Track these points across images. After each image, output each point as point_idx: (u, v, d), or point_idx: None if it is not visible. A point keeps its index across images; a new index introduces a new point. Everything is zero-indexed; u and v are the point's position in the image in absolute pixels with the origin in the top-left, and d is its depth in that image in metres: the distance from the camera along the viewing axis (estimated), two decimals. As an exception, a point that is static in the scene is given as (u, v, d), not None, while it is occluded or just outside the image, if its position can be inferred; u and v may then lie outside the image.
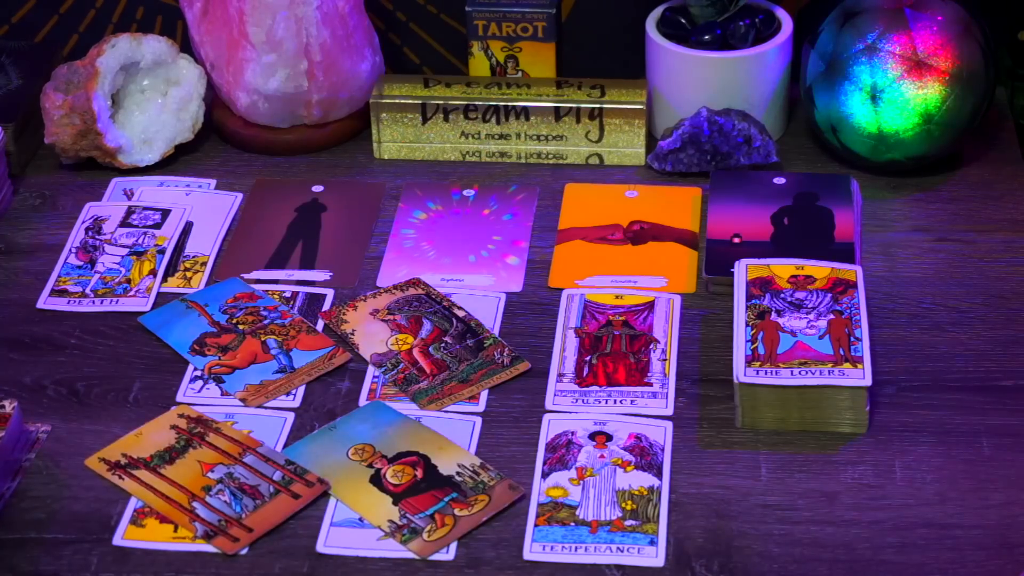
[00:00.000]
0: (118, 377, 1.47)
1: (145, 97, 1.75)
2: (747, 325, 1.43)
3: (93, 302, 1.55)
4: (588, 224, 1.64)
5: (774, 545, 1.28)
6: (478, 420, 1.41)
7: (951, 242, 1.60)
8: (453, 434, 1.39)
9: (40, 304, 1.55)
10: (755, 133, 1.67)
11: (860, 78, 1.63)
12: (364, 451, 1.37)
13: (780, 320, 1.43)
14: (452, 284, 1.56)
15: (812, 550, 1.28)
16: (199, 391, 1.45)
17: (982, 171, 1.70)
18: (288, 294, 1.56)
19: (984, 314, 1.51)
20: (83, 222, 1.65)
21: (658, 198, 1.67)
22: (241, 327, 1.51)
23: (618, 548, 1.28)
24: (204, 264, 1.61)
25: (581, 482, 1.34)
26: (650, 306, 1.52)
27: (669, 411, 1.41)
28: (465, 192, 1.69)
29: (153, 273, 1.58)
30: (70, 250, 1.62)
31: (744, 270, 1.48)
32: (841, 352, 1.39)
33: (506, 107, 1.72)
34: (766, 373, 1.38)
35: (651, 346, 1.47)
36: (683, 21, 1.73)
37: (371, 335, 1.50)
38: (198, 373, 1.47)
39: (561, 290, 1.55)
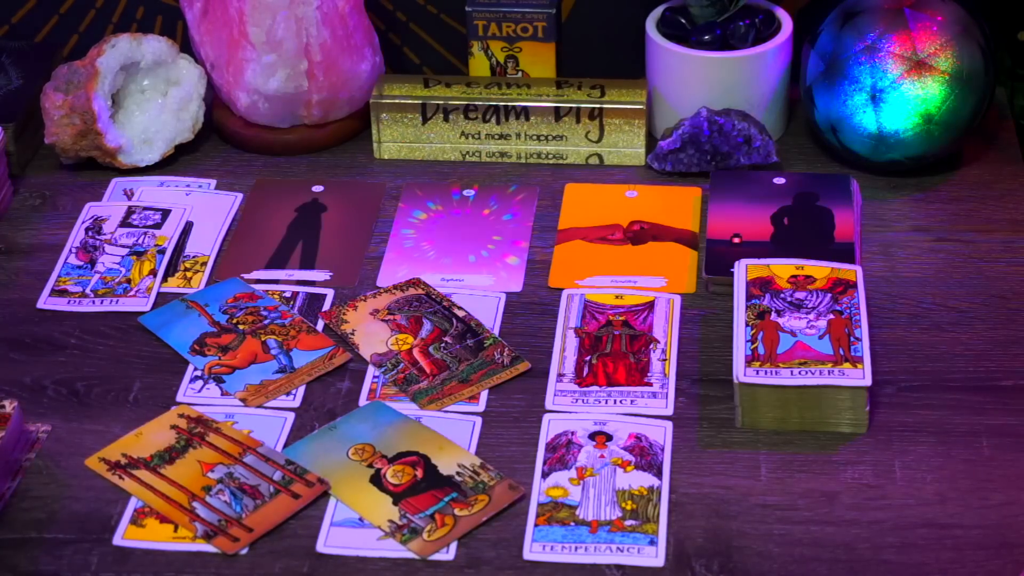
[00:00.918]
0: (118, 377, 1.47)
1: (145, 97, 1.75)
2: (747, 325, 1.43)
3: (93, 302, 1.55)
4: (588, 224, 1.64)
5: (774, 545, 1.28)
6: (478, 420, 1.41)
7: (951, 242, 1.60)
8: (453, 434, 1.39)
9: (40, 304, 1.55)
10: (755, 133, 1.67)
11: (860, 78, 1.63)
12: (364, 451, 1.37)
13: (780, 320, 1.43)
14: (452, 284, 1.56)
15: (812, 550, 1.28)
16: (199, 391, 1.45)
17: (982, 171, 1.70)
18: (288, 294, 1.56)
19: (984, 314, 1.51)
20: (83, 222, 1.65)
21: (658, 198, 1.67)
22: (241, 327, 1.51)
23: (618, 548, 1.28)
24: (204, 264, 1.61)
25: (581, 482, 1.34)
26: (650, 306, 1.52)
27: (669, 411, 1.41)
28: (465, 192, 1.69)
29: (153, 273, 1.58)
30: (70, 250, 1.62)
31: (744, 270, 1.48)
32: (841, 352, 1.39)
33: (506, 107, 1.72)
34: (766, 373, 1.38)
35: (651, 346, 1.47)
36: (683, 21, 1.73)
37: (371, 335, 1.50)
38: (198, 373, 1.47)
39: (561, 290, 1.55)
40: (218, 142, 1.79)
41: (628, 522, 1.30)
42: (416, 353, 1.47)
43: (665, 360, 1.46)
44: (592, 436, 1.38)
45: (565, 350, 1.47)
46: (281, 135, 1.76)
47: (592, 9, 1.83)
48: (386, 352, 1.48)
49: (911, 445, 1.37)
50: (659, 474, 1.34)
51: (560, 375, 1.45)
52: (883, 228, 1.62)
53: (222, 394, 1.44)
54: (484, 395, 1.44)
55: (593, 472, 1.35)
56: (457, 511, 1.31)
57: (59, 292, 1.57)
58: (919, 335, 1.49)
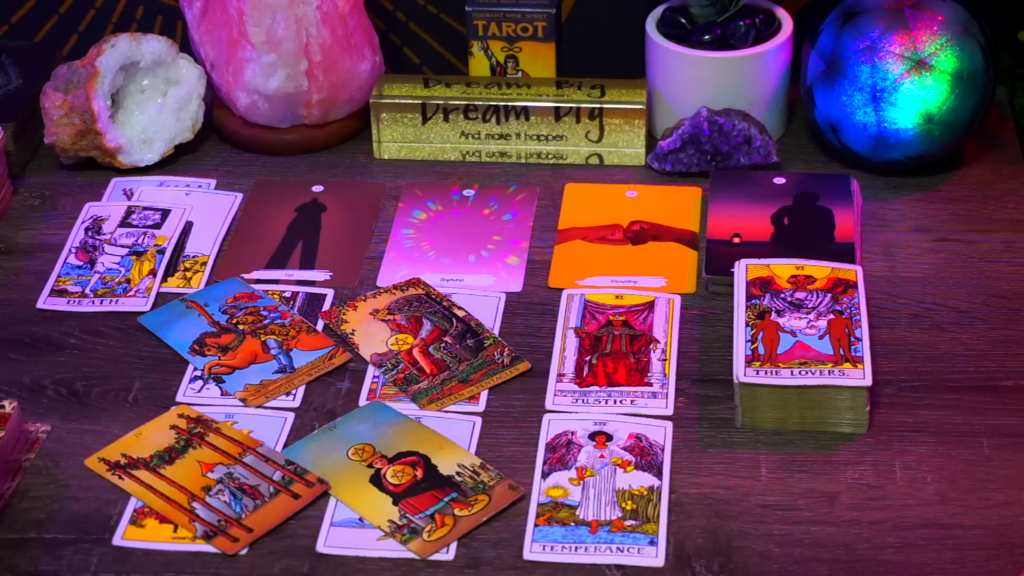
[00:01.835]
0: (118, 377, 1.47)
1: (145, 97, 1.75)
2: (747, 325, 1.43)
3: (93, 302, 1.55)
4: (588, 224, 1.64)
5: (774, 545, 1.28)
6: (478, 420, 1.41)
7: (951, 242, 1.60)
8: (453, 434, 1.39)
9: (40, 304, 1.55)
10: (755, 133, 1.67)
11: (860, 78, 1.63)
12: (364, 451, 1.37)
13: (780, 320, 1.43)
14: (452, 284, 1.56)
15: (812, 550, 1.28)
16: (199, 391, 1.45)
17: (982, 171, 1.70)
18: (288, 294, 1.56)
19: (984, 314, 1.51)
20: (83, 222, 1.65)
21: (658, 198, 1.67)
22: (241, 327, 1.51)
23: (618, 548, 1.28)
24: (204, 264, 1.61)
25: (581, 482, 1.34)
26: (650, 306, 1.52)
27: (669, 411, 1.41)
28: (465, 192, 1.69)
29: (153, 273, 1.58)
30: (70, 250, 1.62)
31: (744, 270, 1.48)
32: (841, 352, 1.39)
33: (506, 107, 1.72)
34: (766, 373, 1.38)
35: (651, 346, 1.47)
36: (683, 21, 1.73)
37: (371, 335, 1.50)
38: (198, 373, 1.47)
39: (561, 290, 1.55)
40: (218, 142, 1.79)
41: (628, 522, 1.30)
42: (416, 353, 1.47)
43: (665, 360, 1.46)
44: (592, 436, 1.38)
45: (565, 350, 1.47)
46: (281, 135, 1.76)
47: (592, 9, 1.83)
48: (386, 352, 1.48)
49: (911, 445, 1.37)
50: (659, 474, 1.34)
51: (560, 375, 1.45)
52: (883, 228, 1.62)
53: (222, 394, 1.44)
54: (484, 395, 1.44)
55: (593, 472, 1.35)
56: (457, 511, 1.31)
57: (59, 292, 1.57)
58: (919, 335, 1.49)
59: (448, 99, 1.73)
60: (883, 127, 1.64)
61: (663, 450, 1.37)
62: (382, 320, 1.52)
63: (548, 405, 1.42)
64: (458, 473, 1.35)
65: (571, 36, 1.82)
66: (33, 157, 1.77)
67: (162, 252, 1.61)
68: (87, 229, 1.64)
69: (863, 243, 1.59)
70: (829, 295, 1.45)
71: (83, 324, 1.53)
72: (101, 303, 1.55)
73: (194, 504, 1.32)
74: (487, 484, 1.34)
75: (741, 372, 1.38)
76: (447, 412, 1.42)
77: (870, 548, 1.28)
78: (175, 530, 1.31)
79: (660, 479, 1.34)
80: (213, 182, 1.73)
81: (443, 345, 1.48)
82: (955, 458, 1.36)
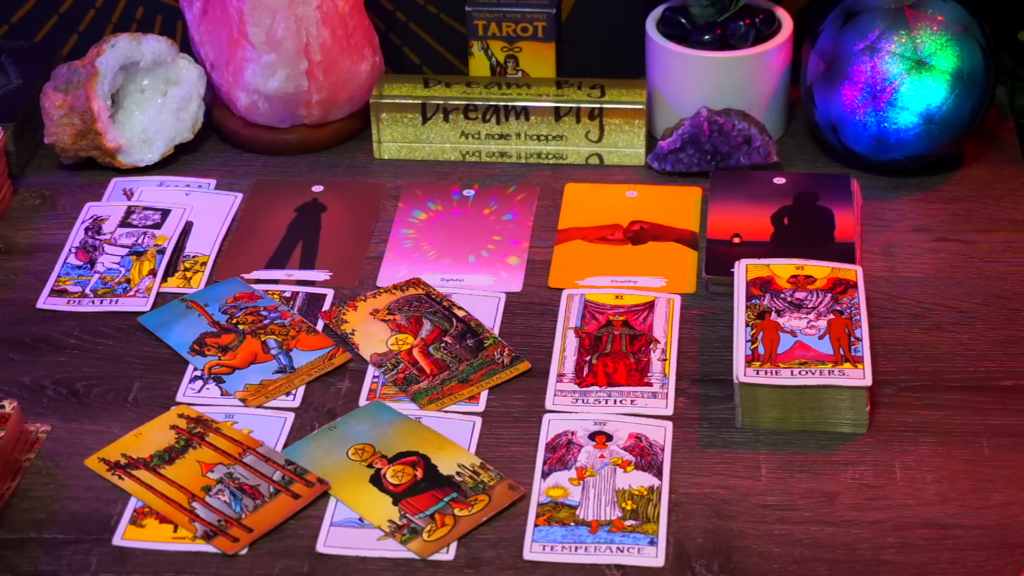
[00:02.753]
0: (118, 377, 1.47)
1: (145, 97, 1.75)
2: (747, 325, 1.43)
3: (93, 302, 1.55)
4: (588, 224, 1.64)
5: (774, 545, 1.28)
6: (478, 420, 1.41)
7: (951, 242, 1.60)
8: (453, 434, 1.39)
9: (40, 304, 1.55)
10: (755, 133, 1.67)
11: (860, 78, 1.63)
12: (364, 451, 1.37)
13: (780, 320, 1.43)
14: (452, 284, 1.56)
15: (812, 550, 1.28)
16: (199, 391, 1.45)
17: (982, 171, 1.70)
18: (288, 294, 1.56)
19: (984, 314, 1.51)
20: (83, 222, 1.65)
21: (658, 198, 1.67)
22: (241, 327, 1.51)
23: (618, 548, 1.28)
24: (204, 264, 1.61)
25: (581, 482, 1.34)
26: (650, 306, 1.52)
27: (669, 411, 1.41)
28: (465, 192, 1.69)
29: (153, 273, 1.58)
30: (70, 250, 1.62)
31: (744, 270, 1.48)
32: (841, 352, 1.39)
33: (506, 107, 1.72)
34: (766, 373, 1.38)
35: (651, 346, 1.47)
36: (683, 21, 1.73)
37: (371, 335, 1.50)
38: (198, 373, 1.47)
39: (561, 290, 1.55)
40: (218, 142, 1.79)
41: (628, 522, 1.30)
42: (416, 353, 1.47)
43: (665, 360, 1.46)
44: (592, 436, 1.38)
45: (565, 350, 1.47)
46: (281, 135, 1.76)
47: (592, 9, 1.83)
48: (386, 352, 1.48)
49: (911, 445, 1.37)
50: (659, 474, 1.34)
51: (560, 375, 1.45)
52: (883, 228, 1.62)
53: (222, 394, 1.44)
54: (484, 395, 1.44)
55: (593, 472, 1.35)
56: (457, 511, 1.31)
57: (59, 292, 1.57)
58: (919, 335, 1.49)
59: (448, 99, 1.73)
60: (883, 127, 1.64)
61: (663, 450, 1.37)
62: (382, 320, 1.52)
63: (548, 405, 1.42)
64: (458, 473, 1.35)
65: (571, 36, 1.82)
66: (33, 157, 1.77)
67: (162, 252, 1.61)
68: (87, 229, 1.64)
69: (863, 243, 1.59)
70: (829, 295, 1.45)
71: (83, 324, 1.53)
72: (101, 303, 1.55)
73: (194, 504, 1.32)
74: (487, 484, 1.34)
75: (741, 372, 1.38)
76: (447, 412, 1.42)
77: (870, 548, 1.28)
78: (175, 530, 1.31)
79: (660, 479, 1.34)
80: (213, 182, 1.73)
81: (443, 345, 1.48)
82: (955, 458, 1.36)
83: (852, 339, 1.40)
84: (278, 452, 1.37)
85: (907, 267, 1.57)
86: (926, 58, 1.62)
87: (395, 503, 1.32)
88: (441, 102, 1.73)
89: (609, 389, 1.43)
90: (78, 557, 1.29)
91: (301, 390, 1.45)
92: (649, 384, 1.43)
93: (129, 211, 1.66)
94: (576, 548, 1.28)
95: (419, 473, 1.35)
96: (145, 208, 1.67)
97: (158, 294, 1.57)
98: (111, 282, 1.58)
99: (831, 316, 1.43)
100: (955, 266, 1.57)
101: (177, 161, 1.76)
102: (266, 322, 1.51)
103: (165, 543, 1.30)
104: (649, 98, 1.73)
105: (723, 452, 1.37)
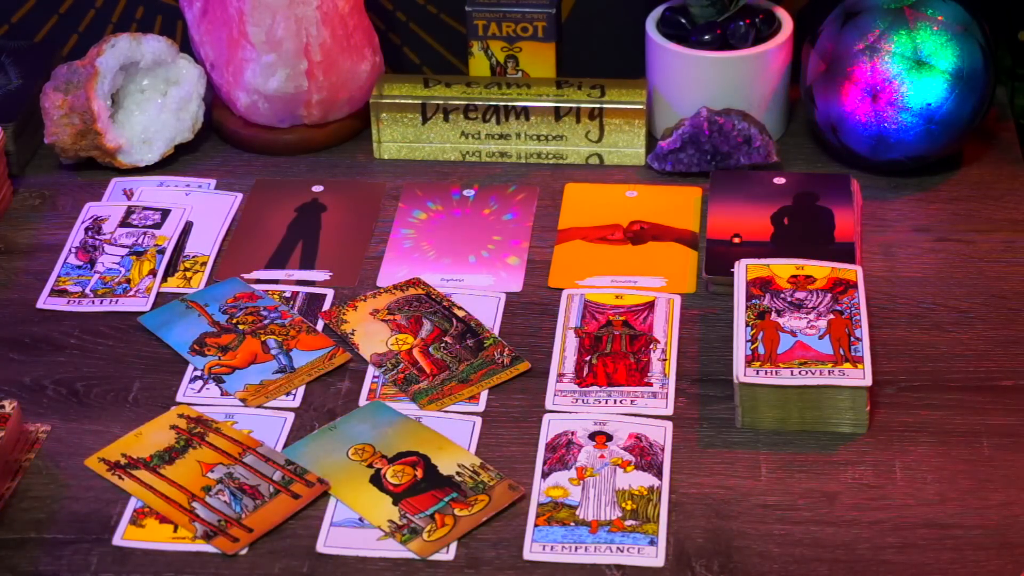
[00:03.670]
0: (118, 377, 1.47)
1: (145, 97, 1.75)
2: (747, 325, 1.43)
3: (93, 302, 1.55)
4: (588, 224, 1.64)
5: (774, 545, 1.28)
6: (478, 420, 1.41)
7: (951, 242, 1.60)
8: (453, 434, 1.39)
9: (40, 304, 1.55)
10: (755, 133, 1.67)
11: (860, 78, 1.63)
12: (364, 451, 1.37)
13: (780, 320, 1.43)
14: (452, 284, 1.56)
15: (812, 550, 1.28)
16: (199, 391, 1.45)
17: (982, 171, 1.70)
18: (288, 294, 1.56)
19: (984, 314, 1.51)
20: (83, 222, 1.65)
21: (658, 198, 1.67)
22: (241, 327, 1.51)
23: (618, 548, 1.28)
24: (204, 264, 1.61)
25: (581, 482, 1.34)
26: (650, 306, 1.52)
27: (669, 411, 1.41)
28: (465, 192, 1.69)
29: (153, 273, 1.58)
30: (70, 250, 1.62)
31: (744, 270, 1.48)
32: (841, 352, 1.39)
33: (506, 107, 1.72)
34: (766, 373, 1.38)
35: (651, 346, 1.47)
36: (683, 21, 1.73)
37: (371, 335, 1.50)
38: (198, 373, 1.47)
39: (561, 290, 1.55)
40: (218, 142, 1.79)
41: (628, 522, 1.30)
42: (416, 353, 1.47)
43: (665, 360, 1.46)
44: (592, 436, 1.38)
45: (565, 350, 1.47)
46: (281, 135, 1.76)
47: (592, 9, 1.83)
48: (386, 352, 1.48)
49: (911, 445, 1.37)
50: (659, 474, 1.34)
51: (560, 375, 1.45)
52: (883, 228, 1.62)
53: (222, 394, 1.44)
54: (484, 395, 1.44)
55: (593, 472, 1.35)
56: (457, 511, 1.31)
57: (59, 292, 1.57)
58: (919, 335, 1.49)
59: (448, 99, 1.73)
60: (883, 127, 1.64)
61: (663, 450, 1.37)
62: (382, 320, 1.52)
63: (548, 405, 1.42)
64: (458, 473, 1.35)
65: (571, 36, 1.82)
66: (33, 157, 1.77)
67: (162, 252, 1.61)
68: (87, 229, 1.64)
69: (863, 243, 1.59)
70: (829, 295, 1.45)
71: (83, 324, 1.53)
72: (101, 303, 1.55)
73: (194, 504, 1.32)
74: (487, 484, 1.34)
75: (741, 372, 1.38)
76: (447, 412, 1.42)
77: (870, 548, 1.28)
78: (175, 530, 1.31)
79: (660, 479, 1.34)
80: (213, 182, 1.73)
81: (443, 345, 1.48)
82: (955, 458, 1.36)
83: (852, 339, 1.40)
84: (278, 452, 1.37)
85: (907, 267, 1.57)
86: (926, 58, 1.62)
87: (395, 503, 1.32)
88: (441, 102, 1.73)
89: (609, 389, 1.43)
90: (78, 557, 1.29)
91: (301, 390, 1.45)
92: (649, 384, 1.43)
93: (129, 211, 1.66)
94: (576, 548, 1.28)
95: (419, 473, 1.35)
96: (145, 208, 1.67)
97: (158, 294, 1.57)
98: (111, 282, 1.58)
99: (831, 316, 1.43)
100: (955, 266, 1.57)
101: (177, 161, 1.76)
102: (266, 322, 1.51)
103: (165, 543, 1.30)
104: (649, 98, 1.73)
105: (723, 452, 1.37)
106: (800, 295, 1.45)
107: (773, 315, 1.43)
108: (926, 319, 1.50)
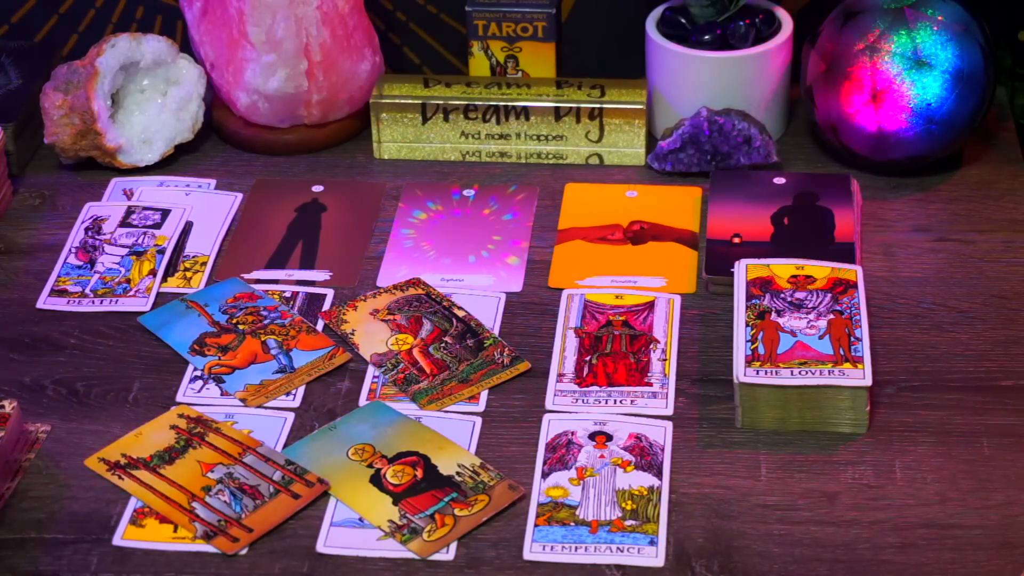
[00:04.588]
0: (118, 377, 1.47)
1: (145, 97, 1.75)
2: (747, 325, 1.43)
3: (93, 302, 1.55)
4: (588, 224, 1.64)
5: (774, 545, 1.28)
6: (478, 420, 1.41)
7: (951, 242, 1.60)
8: (453, 434, 1.39)
9: (40, 304, 1.55)
10: (755, 133, 1.67)
11: (860, 78, 1.63)
12: (364, 451, 1.37)
13: (780, 320, 1.43)
14: (452, 284, 1.56)
15: (812, 550, 1.28)
16: (199, 391, 1.45)
17: (982, 171, 1.70)
18: (288, 294, 1.56)
19: (984, 314, 1.51)
20: (83, 222, 1.65)
21: (658, 198, 1.67)
22: (241, 327, 1.51)
23: (618, 548, 1.28)
24: (204, 264, 1.61)
25: (581, 482, 1.34)
26: (650, 306, 1.52)
27: (669, 411, 1.41)
28: (465, 192, 1.69)
29: (153, 273, 1.58)
30: (70, 250, 1.62)
31: (744, 270, 1.48)
32: (841, 352, 1.39)
33: (506, 107, 1.72)
34: (766, 373, 1.38)
35: (651, 346, 1.47)
36: (683, 21, 1.73)
37: (371, 335, 1.50)
38: (198, 373, 1.47)
39: (561, 290, 1.55)
40: (218, 142, 1.79)
41: (628, 522, 1.30)
42: (416, 353, 1.47)
43: (665, 360, 1.46)
44: (592, 436, 1.38)
45: (565, 350, 1.47)
46: (281, 135, 1.76)
47: (592, 9, 1.83)
48: (386, 352, 1.48)
49: (911, 445, 1.37)
50: (659, 474, 1.34)
51: (560, 375, 1.45)
52: (883, 228, 1.62)
53: (222, 394, 1.44)
54: (484, 395, 1.44)
55: (593, 472, 1.35)
56: (457, 511, 1.31)
57: (59, 292, 1.57)
58: (919, 335, 1.49)
59: (448, 99, 1.73)
60: (883, 127, 1.64)
61: (663, 450, 1.37)
62: (382, 320, 1.52)
63: (548, 405, 1.42)
64: (458, 473, 1.35)
65: (571, 36, 1.82)
66: (33, 157, 1.77)
67: (162, 252, 1.61)
68: (87, 229, 1.64)
69: (863, 243, 1.59)
70: (829, 295, 1.45)
71: (83, 324, 1.53)
72: (101, 303, 1.55)
73: (194, 504, 1.32)
74: (487, 484, 1.34)
75: (741, 372, 1.38)
76: (447, 412, 1.42)
77: (870, 548, 1.28)
78: (175, 530, 1.31)
79: (660, 479, 1.34)
80: (213, 182, 1.73)
81: (443, 345, 1.48)
82: (955, 458, 1.36)
83: (852, 339, 1.40)
84: (278, 452, 1.37)
85: (907, 267, 1.57)
86: (926, 58, 1.62)
87: (395, 503, 1.32)
88: (441, 102, 1.73)
89: (609, 389, 1.43)
90: (78, 557, 1.29)
91: (301, 390, 1.45)
92: (649, 384, 1.43)
93: (129, 211, 1.66)
94: (576, 548, 1.28)
95: (419, 473, 1.35)
96: (145, 208, 1.67)
97: (158, 294, 1.57)
98: (111, 282, 1.58)
99: (831, 316, 1.43)
100: (955, 266, 1.57)
101: (177, 161, 1.76)
102: (266, 322, 1.51)
103: (165, 543, 1.30)
104: (649, 98, 1.73)
105: (723, 452, 1.37)
106: (800, 295, 1.45)
107: (773, 315, 1.43)
108: (926, 319, 1.50)
